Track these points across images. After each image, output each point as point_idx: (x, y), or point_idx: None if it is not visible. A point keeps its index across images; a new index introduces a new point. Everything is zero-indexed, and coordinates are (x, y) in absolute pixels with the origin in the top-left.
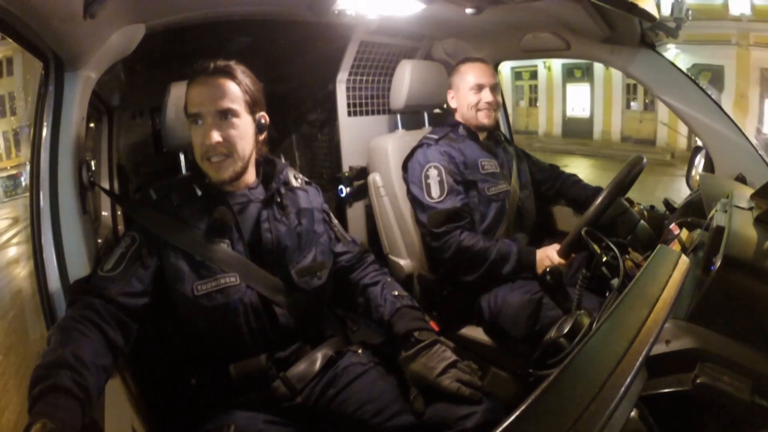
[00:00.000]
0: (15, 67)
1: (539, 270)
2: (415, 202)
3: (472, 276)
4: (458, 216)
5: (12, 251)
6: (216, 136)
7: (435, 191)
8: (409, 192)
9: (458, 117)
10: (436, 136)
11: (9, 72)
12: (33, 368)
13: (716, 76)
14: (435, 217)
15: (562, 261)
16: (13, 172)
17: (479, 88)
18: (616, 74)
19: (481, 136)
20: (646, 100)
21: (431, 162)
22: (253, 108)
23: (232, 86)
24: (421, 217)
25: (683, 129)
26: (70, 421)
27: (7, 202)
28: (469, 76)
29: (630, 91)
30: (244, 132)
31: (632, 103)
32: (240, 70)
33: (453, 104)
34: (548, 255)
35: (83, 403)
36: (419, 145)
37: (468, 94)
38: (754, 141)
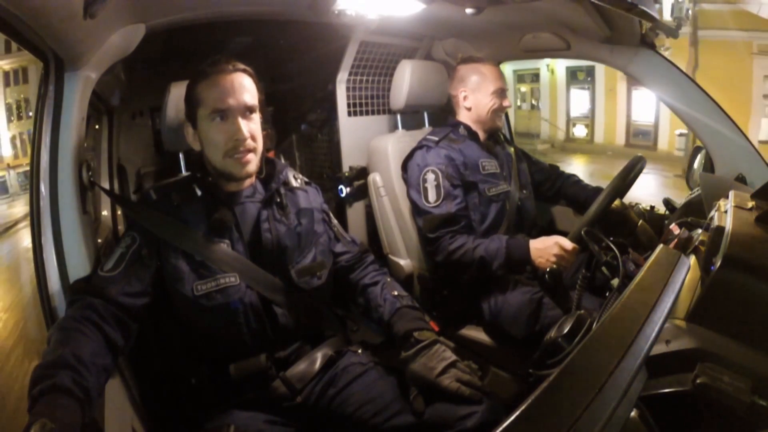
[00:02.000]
0: (30, 76)
1: (547, 260)
2: (413, 205)
3: (465, 276)
4: (453, 221)
5: None
6: (246, 131)
7: (431, 196)
8: (408, 193)
9: (465, 117)
10: (436, 138)
11: (24, 80)
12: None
13: (589, 74)
14: (430, 221)
15: (576, 246)
16: (27, 168)
17: (502, 92)
18: (509, 81)
19: (482, 136)
20: (533, 102)
21: (429, 166)
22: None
23: (252, 84)
24: (417, 220)
25: (561, 124)
26: (69, 421)
27: (22, 195)
28: (493, 79)
29: (520, 95)
30: (259, 128)
31: (522, 104)
32: None
33: (467, 104)
34: (557, 242)
35: (83, 403)
36: (419, 147)
37: (491, 97)
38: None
